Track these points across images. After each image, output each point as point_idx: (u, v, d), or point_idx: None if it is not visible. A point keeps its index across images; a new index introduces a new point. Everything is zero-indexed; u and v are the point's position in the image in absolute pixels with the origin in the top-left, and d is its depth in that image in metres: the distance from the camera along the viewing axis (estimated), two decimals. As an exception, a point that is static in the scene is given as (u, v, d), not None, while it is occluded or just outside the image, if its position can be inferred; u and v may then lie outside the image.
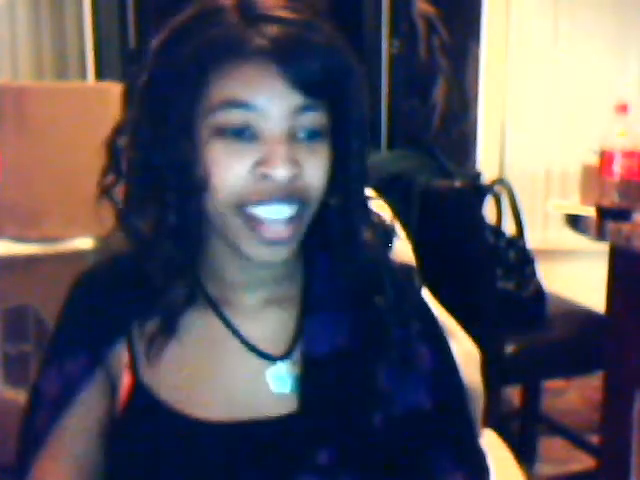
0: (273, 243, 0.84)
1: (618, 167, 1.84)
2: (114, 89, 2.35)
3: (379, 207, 1.02)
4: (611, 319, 2.01)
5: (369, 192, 0.94)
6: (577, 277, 3.10)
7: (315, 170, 0.84)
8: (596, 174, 1.89)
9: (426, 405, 0.90)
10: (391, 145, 3.49)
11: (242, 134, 0.81)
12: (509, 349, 2.02)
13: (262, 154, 0.81)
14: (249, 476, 0.85)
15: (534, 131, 3.63)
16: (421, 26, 3.41)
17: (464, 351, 1.16)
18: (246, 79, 0.81)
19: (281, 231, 0.83)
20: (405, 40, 3.44)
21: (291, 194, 0.82)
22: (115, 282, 0.93)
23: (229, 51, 0.80)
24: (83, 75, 3.28)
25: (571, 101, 3.59)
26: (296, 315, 0.92)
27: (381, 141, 3.50)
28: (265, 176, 0.81)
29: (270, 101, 0.81)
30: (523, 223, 2.19)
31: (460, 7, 3.51)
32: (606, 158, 1.85)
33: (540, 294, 2.13)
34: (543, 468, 2.54)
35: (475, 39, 3.52)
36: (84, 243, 2.07)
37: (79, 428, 0.90)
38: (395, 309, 0.91)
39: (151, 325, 0.89)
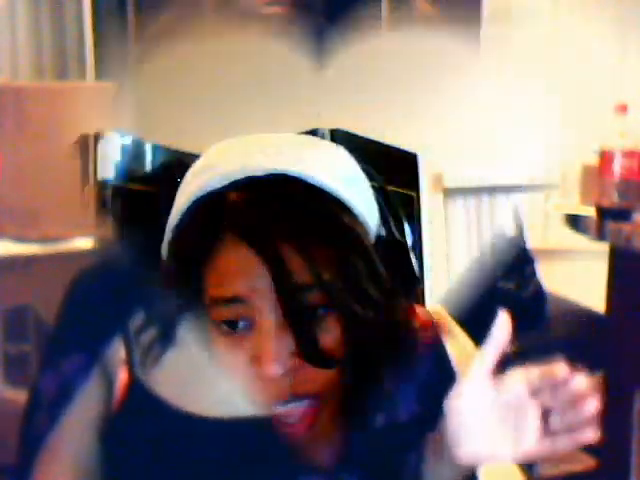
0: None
1: (618, 167, 1.84)
2: (114, 89, 2.36)
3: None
4: (611, 319, 2.01)
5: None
6: (577, 277, 3.09)
7: (329, 345, 0.78)
8: (596, 174, 1.89)
9: (423, 409, 0.90)
10: (391, 145, 3.48)
11: (237, 326, 0.80)
12: (509, 349, 2.01)
13: (256, 348, 0.78)
14: (249, 472, 0.85)
15: (534, 131, 3.62)
16: (421, 26, 3.41)
17: (461, 348, 1.16)
18: (228, 273, 0.78)
19: (297, 427, 0.81)
20: (405, 40, 3.44)
21: (295, 392, 0.79)
22: (113, 280, 0.93)
23: (206, 252, 0.79)
24: (83, 75, 3.27)
25: (571, 101, 3.59)
26: None
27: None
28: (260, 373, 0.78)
29: (257, 292, 0.78)
30: (523, 223, 2.19)
31: (460, 7, 3.51)
32: (606, 158, 1.85)
33: (540, 294, 2.13)
34: (543, 468, 2.53)
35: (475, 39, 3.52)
36: (84, 243, 2.06)
37: (79, 427, 0.90)
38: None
39: (148, 334, 0.89)
